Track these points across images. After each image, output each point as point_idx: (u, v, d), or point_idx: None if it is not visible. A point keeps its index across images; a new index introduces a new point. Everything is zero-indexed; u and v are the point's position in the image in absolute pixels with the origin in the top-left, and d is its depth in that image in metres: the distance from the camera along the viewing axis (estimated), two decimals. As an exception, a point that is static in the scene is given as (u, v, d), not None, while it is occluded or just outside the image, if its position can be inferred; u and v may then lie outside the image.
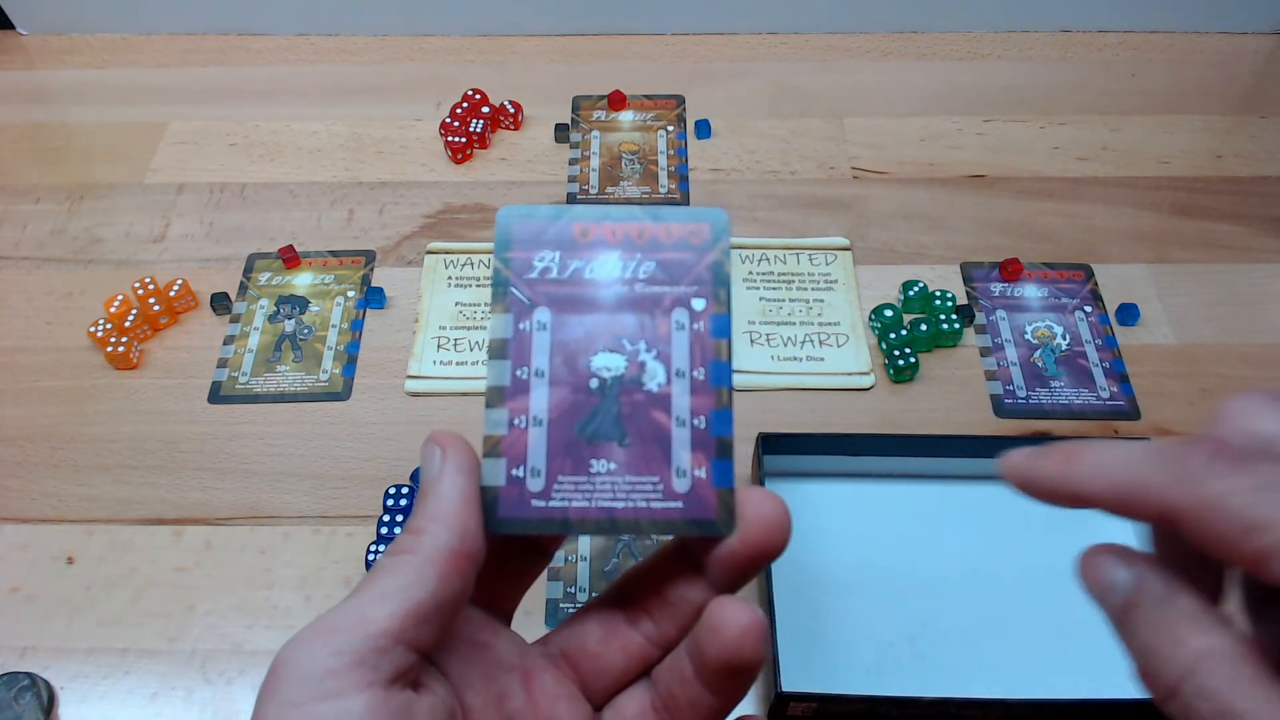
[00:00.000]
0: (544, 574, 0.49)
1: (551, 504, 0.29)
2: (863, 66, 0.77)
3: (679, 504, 0.29)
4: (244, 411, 0.57)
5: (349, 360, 0.59)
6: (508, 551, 0.30)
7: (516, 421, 0.29)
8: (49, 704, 0.45)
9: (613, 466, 0.29)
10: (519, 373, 0.29)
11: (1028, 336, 0.59)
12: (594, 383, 0.30)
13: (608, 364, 0.30)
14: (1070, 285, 0.62)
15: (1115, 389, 0.57)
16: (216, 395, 0.57)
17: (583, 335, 0.30)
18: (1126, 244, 0.65)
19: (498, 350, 0.30)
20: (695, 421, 0.29)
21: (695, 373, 0.30)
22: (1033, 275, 0.62)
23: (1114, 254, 0.64)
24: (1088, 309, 0.61)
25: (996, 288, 0.62)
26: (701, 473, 0.29)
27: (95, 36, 0.80)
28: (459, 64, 0.78)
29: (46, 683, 0.46)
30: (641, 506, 0.29)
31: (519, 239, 0.30)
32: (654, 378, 0.30)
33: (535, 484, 0.29)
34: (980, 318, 0.60)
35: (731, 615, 0.27)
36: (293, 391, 0.57)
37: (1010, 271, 0.62)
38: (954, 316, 0.59)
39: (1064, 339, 0.59)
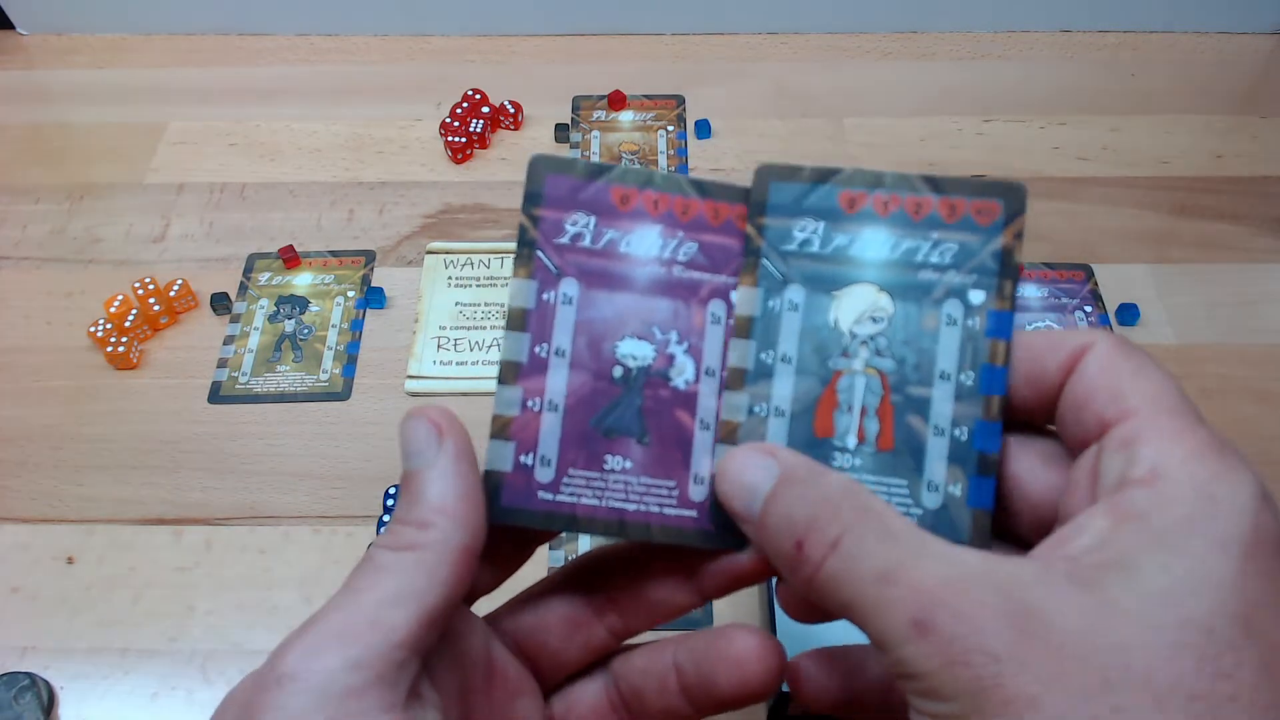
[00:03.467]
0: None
1: (559, 498, 0.27)
2: (863, 66, 0.77)
3: (693, 513, 0.27)
4: (244, 411, 0.57)
5: (349, 360, 0.59)
6: (499, 539, 0.27)
7: (530, 404, 0.27)
8: (49, 704, 0.45)
9: (628, 465, 0.27)
10: (538, 349, 0.27)
11: (1028, 336, 0.59)
12: (618, 371, 0.27)
13: (634, 352, 0.27)
14: (1070, 285, 0.62)
15: (1115, 389, 0.57)
16: (216, 395, 0.57)
17: (611, 316, 0.27)
18: (1126, 244, 0.65)
19: (517, 321, 0.27)
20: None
21: (725, 372, 0.27)
22: (1033, 275, 0.62)
23: (1114, 254, 0.64)
24: (1088, 309, 0.61)
25: (996, 288, 0.62)
26: None
27: (95, 36, 0.80)
28: (459, 64, 0.78)
29: (46, 683, 0.46)
30: (654, 511, 0.27)
31: (552, 196, 0.27)
32: (682, 373, 0.27)
33: (544, 474, 0.27)
34: (980, 318, 0.60)
35: (757, 653, 0.26)
36: (293, 391, 0.57)
37: (1010, 271, 0.62)
38: (954, 316, 0.59)
39: (1064, 339, 0.59)
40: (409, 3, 0.78)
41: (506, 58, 0.78)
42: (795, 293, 0.27)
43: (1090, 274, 0.62)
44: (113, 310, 0.59)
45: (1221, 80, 0.76)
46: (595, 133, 0.72)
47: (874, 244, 0.27)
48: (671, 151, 0.71)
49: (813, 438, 0.27)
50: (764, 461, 0.25)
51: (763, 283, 0.27)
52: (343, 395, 0.57)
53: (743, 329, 0.27)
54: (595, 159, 0.70)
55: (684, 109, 0.74)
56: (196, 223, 0.66)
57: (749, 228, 0.27)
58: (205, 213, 0.67)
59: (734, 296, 0.28)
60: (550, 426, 0.27)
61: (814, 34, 0.80)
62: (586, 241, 0.27)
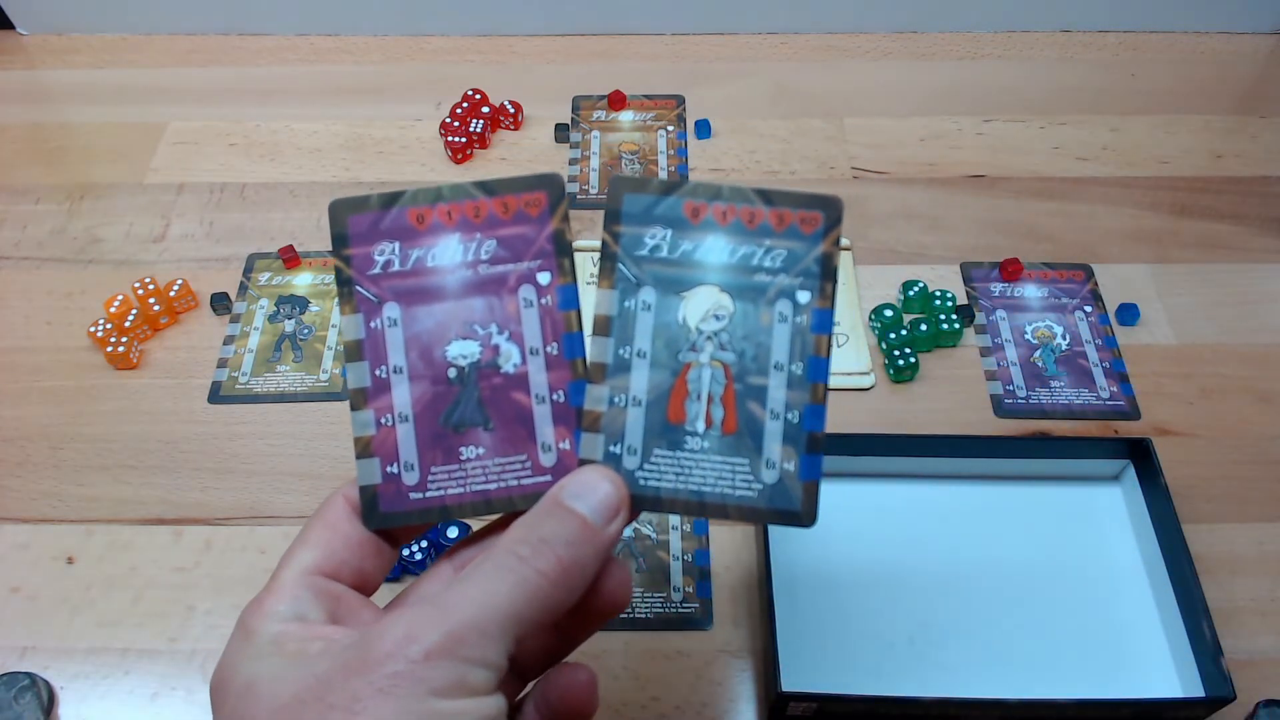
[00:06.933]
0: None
1: (428, 494, 0.30)
2: (863, 66, 0.77)
3: (548, 477, 0.30)
4: (244, 411, 0.57)
5: (349, 360, 0.59)
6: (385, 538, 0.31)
7: (383, 420, 0.30)
8: (49, 704, 0.45)
9: (481, 451, 0.30)
10: (378, 372, 0.30)
11: (1028, 336, 0.59)
12: (452, 372, 0.30)
13: (462, 351, 0.30)
14: (1070, 285, 0.62)
15: (1115, 389, 0.57)
16: (216, 395, 0.57)
17: (434, 326, 0.30)
18: (1126, 244, 0.65)
19: (353, 352, 0.30)
20: (554, 397, 0.30)
21: (549, 348, 0.30)
22: (1033, 275, 0.62)
23: (1114, 254, 0.64)
24: (1088, 309, 0.61)
25: (996, 288, 0.62)
26: (566, 445, 0.30)
27: (95, 36, 0.80)
28: (459, 64, 0.78)
29: (46, 683, 0.46)
30: (513, 485, 0.30)
31: (356, 234, 0.30)
32: (509, 359, 0.30)
33: (410, 478, 0.30)
34: (980, 318, 0.60)
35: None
36: (293, 391, 0.57)
37: (1010, 271, 0.62)
38: (954, 316, 0.59)
39: (1064, 339, 0.59)
40: (409, 3, 0.78)
41: (506, 58, 0.78)
42: (648, 294, 0.30)
43: (1090, 274, 0.62)
44: (113, 310, 0.59)
45: (1221, 80, 0.76)
46: (595, 133, 0.72)
47: (715, 250, 0.30)
48: (672, 151, 0.71)
49: (666, 423, 0.30)
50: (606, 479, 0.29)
51: (619, 285, 0.30)
52: (343, 395, 0.57)
53: (601, 327, 0.30)
54: (595, 159, 0.70)
55: (684, 109, 0.74)
56: (196, 223, 0.66)
57: (605, 235, 0.30)
58: (205, 213, 0.67)
59: (540, 278, 0.30)
60: (406, 435, 0.30)
61: (813, 34, 0.80)
62: (396, 266, 0.30)
